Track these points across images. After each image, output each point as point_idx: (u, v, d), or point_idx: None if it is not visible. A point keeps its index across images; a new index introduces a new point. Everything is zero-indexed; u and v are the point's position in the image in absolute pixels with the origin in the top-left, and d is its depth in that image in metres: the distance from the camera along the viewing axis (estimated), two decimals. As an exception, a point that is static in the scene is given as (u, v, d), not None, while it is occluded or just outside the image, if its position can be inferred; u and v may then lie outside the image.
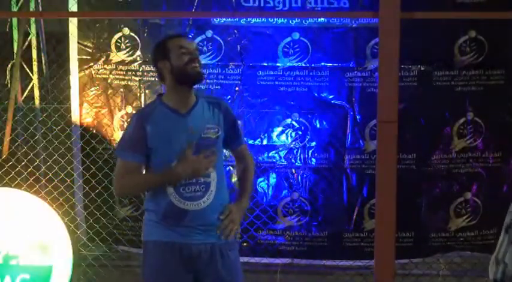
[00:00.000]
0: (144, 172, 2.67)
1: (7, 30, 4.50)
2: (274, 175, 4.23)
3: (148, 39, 4.22)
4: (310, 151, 4.19)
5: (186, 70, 2.55)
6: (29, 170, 4.46)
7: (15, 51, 4.51)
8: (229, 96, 4.16)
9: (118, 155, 2.66)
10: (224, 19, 4.11)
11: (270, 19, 4.08)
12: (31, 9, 4.41)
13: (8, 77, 4.52)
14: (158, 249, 2.63)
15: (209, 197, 2.58)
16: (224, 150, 2.79)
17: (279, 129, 4.18)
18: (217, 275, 2.59)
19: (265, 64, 4.14)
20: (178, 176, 2.52)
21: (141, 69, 4.25)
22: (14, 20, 4.48)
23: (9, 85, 4.52)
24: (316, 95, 4.16)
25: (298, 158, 4.19)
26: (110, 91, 4.31)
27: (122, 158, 2.63)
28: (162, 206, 2.59)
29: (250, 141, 4.16)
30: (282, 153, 4.20)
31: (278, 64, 4.15)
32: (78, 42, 4.27)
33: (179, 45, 2.58)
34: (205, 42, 4.15)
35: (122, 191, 2.86)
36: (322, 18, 4.07)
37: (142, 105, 4.28)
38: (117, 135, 4.33)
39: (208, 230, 2.58)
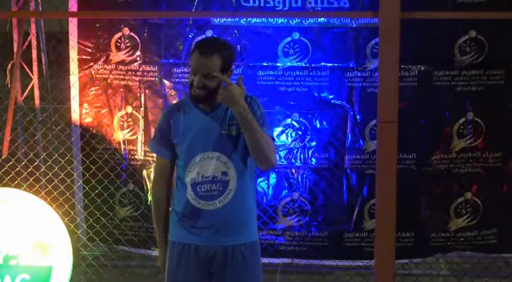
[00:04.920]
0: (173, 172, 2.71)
1: (7, 30, 4.50)
2: (274, 175, 4.23)
3: (149, 39, 4.23)
4: (310, 151, 4.19)
5: (190, 91, 2.55)
6: (29, 170, 4.46)
7: (15, 51, 4.50)
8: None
9: (149, 147, 2.78)
10: (224, 19, 4.11)
11: (270, 19, 4.08)
12: (31, 9, 4.41)
13: (8, 77, 4.52)
14: (176, 250, 2.63)
15: (227, 196, 2.55)
16: None
17: (279, 129, 4.18)
18: (232, 277, 2.56)
19: (265, 64, 4.14)
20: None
21: (141, 69, 4.25)
22: (14, 20, 4.48)
23: (9, 85, 4.52)
24: (316, 95, 4.16)
25: (298, 158, 4.19)
26: (110, 91, 4.31)
27: (153, 151, 2.76)
28: (181, 206, 2.61)
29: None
30: (282, 153, 4.19)
31: (278, 64, 4.15)
32: (78, 42, 4.27)
33: (192, 63, 2.52)
34: (205, 42, 4.15)
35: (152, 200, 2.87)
36: (322, 18, 4.07)
37: (142, 105, 4.28)
38: (117, 135, 4.34)
39: (224, 231, 2.55)
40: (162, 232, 2.72)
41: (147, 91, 4.28)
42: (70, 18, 4.27)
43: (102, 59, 4.29)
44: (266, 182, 4.23)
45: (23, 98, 4.64)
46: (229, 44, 2.66)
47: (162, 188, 2.71)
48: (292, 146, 4.19)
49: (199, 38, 4.13)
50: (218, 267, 2.57)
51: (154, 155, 4.01)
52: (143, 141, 4.31)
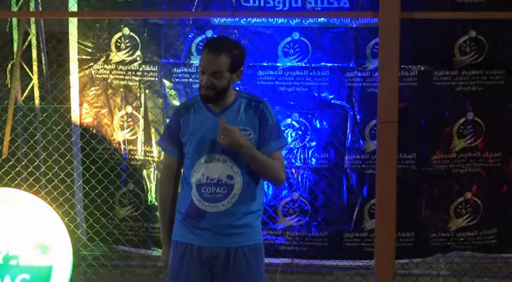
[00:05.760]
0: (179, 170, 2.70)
1: (7, 30, 4.50)
2: (274, 175, 4.22)
3: (149, 39, 4.23)
4: (310, 151, 4.19)
5: (200, 91, 2.56)
6: (29, 170, 4.46)
7: (15, 51, 4.51)
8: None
9: (158, 144, 2.75)
10: (224, 19, 4.11)
11: (270, 19, 4.08)
12: (31, 9, 4.41)
13: (8, 77, 4.52)
14: (179, 250, 2.63)
15: (231, 200, 2.54)
16: None
17: (279, 129, 4.17)
18: (234, 279, 2.56)
19: (265, 64, 4.14)
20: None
21: (141, 69, 4.25)
22: (14, 20, 4.48)
23: (9, 85, 4.52)
24: (316, 95, 4.16)
25: (298, 158, 4.19)
26: (110, 91, 4.31)
27: (161, 148, 2.77)
28: (185, 206, 2.61)
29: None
30: (282, 153, 4.19)
31: (278, 64, 4.15)
32: (78, 42, 4.27)
33: (201, 62, 2.52)
34: (205, 42, 4.15)
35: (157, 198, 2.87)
36: (322, 18, 4.07)
37: (142, 105, 4.28)
38: (117, 135, 4.33)
39: (227, 233, 2.55)
40: (166, 230, 2.70)
41: (147, 91, 4.28)
42: (70, 18, 4.27)
43: (102, 59, 4.29)
44: (266, 182, 4.22)
45: (23, 98, 4.64)
46: (239, 43, 2.66)
47: (168, 185, 2.70)
48: (292, 146, 4.19)
49: (200, 38, 4.15)
50: (220, 268, 2.56)
51: (154, 153, 4.03)
52: (143, 141, 4.31)
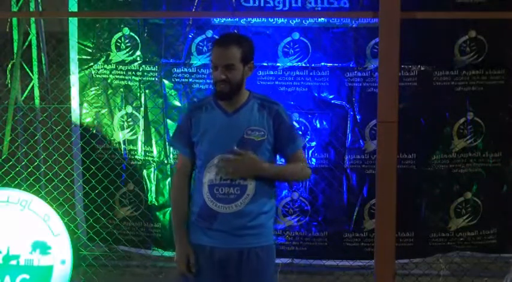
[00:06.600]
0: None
1: (7, 30, 4.50)
2: (274, 175, 4.22)
3: (148, 39, 4.23)
4: (310, 151, 4.19)
5: (215, 88, 2.56)
6: (29, 170, 4.46)
7: (15, 51, 4.51)
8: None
9: (170, 144, 2.73)
10: (224, 19, 4.11)
11: (270, 19, 4.08)
12: (31, 9, 4.41)
13: (8, 77, 4.52)
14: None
15: (244, 201, 2.52)
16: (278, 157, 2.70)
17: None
18: (247, 280, 2.54)
19: (265, 64, 4.14)
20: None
21: (141, 69, 4.26)
22: (14, 20, 4.48)
23: (9, 85, 4.52)
24: (316, 95, 4.16)
25: (298, 158, 4.19)
26: (110, 91, 4.31)
27: (174, 148, 2.73)
28: (198, 206, 2.60)
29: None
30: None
31: (278, 64, 4.15)
32: (78, 42, 4.27)
33: (212, 58, 2.53)
34: (205, 42, 4.15)
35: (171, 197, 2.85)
36: (322, 18, 4.07)
37: (142, 105, 4.28)
38: (117, 135, 4.34)
39: (240, 234, 2.53)
40: (179, 229, 2.64)
41: (147, 91, 4.28)
42: (70, 18, 4.27)
43: (102, 59, 4.29)
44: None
45: (23, 98, 4.65)
46: (247, 37, 2.68)
47: (183, 184, 2.67)
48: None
49: (200, 38, 4.15)
50: (233, 269, 2.54)
51: (154, 153, 4.03)
52: (143, 141, 4.31)
